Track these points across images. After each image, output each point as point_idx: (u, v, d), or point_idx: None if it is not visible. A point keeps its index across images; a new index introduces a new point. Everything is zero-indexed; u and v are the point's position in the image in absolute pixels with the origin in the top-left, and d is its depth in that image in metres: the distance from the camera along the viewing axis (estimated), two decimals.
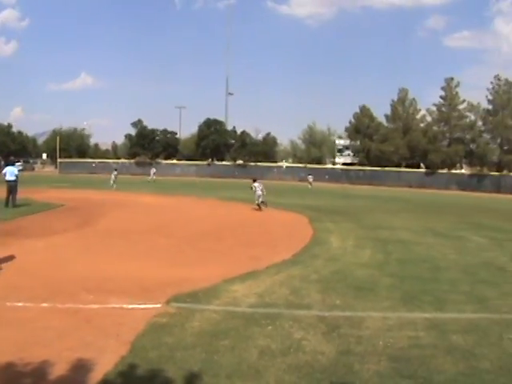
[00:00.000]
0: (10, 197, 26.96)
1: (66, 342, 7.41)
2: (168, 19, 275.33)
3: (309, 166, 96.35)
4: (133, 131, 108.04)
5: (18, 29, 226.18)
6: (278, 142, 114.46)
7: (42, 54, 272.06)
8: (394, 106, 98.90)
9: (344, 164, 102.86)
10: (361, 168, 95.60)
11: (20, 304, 9.30)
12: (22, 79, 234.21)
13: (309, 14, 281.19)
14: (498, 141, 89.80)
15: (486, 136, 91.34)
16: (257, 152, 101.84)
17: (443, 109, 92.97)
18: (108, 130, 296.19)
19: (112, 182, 50.51)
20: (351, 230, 22.05)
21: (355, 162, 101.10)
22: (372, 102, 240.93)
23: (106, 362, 6.67)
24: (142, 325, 8.23)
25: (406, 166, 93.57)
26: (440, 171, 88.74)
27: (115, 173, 52.71)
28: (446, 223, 26.94)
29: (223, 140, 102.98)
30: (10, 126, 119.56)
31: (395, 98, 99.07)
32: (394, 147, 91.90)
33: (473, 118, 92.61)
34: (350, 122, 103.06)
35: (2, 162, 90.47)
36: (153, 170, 75.70)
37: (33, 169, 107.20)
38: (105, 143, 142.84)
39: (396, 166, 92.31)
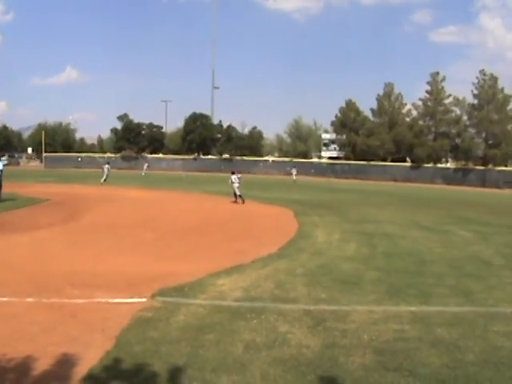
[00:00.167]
0: None
1: (50, 337, 7.37)
2: (154, 13, 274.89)
3: (295, 160, 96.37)
4: (119, 125, 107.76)
5: (3, 22, 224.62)
6: (264, 136, 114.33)
7: (27, 48, 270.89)
8: (379, 101, 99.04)
9: (330, 158, 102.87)
10: (346, 162, 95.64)
11: (5, 299, 9.25)
12: (6, 73, 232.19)
13: (296, 8, 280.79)
14: (483, 135, 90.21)
15: (472, 130, 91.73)
16: (243, 146, 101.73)
17: (429, 103, 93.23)
18: (94, 124, 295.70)
19: (105, 175, 50.01)
20: (337, 224, 22.09)
21: (341, 156, 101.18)
22: (358, 96, 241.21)
23: (91, 357, 6.64)
24: (128, 319, 8.20)
25: (392, 161, 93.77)
26: (425, 165, 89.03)
27: (108, 166, 52.11)
28: (432, 217, 27.05)
29: (209, 134, 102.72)
30: None
31: (381, 93, 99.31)
32: (379, 141, 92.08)
33: (458, 112, 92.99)
34: (336, 117, 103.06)
35: None
36: (146, 165, 75.46)
37: (18, 163, 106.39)
38: (90, 137, 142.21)
39: (382, 161, 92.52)
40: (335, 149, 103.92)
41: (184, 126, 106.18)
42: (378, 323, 8.50)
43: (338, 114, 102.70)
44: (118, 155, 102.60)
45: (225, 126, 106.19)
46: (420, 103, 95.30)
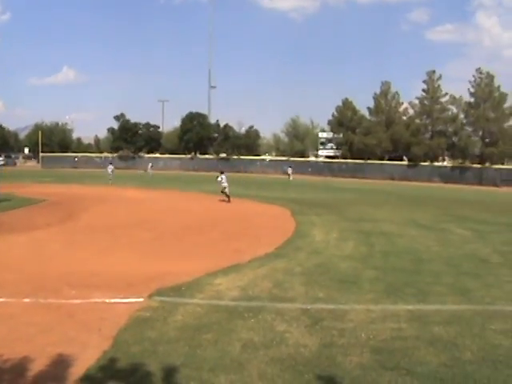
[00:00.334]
0: None
1: (48, 338, 7.37)
2: (151, 12, 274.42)
3: (292, 159, 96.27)
4: (115, 125, 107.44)
5: None
6: (261, 135, 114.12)
7: (24, 48, 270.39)
8: (376, 99, 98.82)
9: (327, 157, 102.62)
10: (344, 161, 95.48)
11: (2, 300, 9.25)
12: (3, 73, 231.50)
13: (292, 7, 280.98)
14: (480, 133, 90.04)
15: (468, 129, 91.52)
16: (240, 145, 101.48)
17: (425, 102, 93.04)
18: (91, 124, 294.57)
19: (110, 176, 50.08)
20: (334, 223, 22.08)
21: (338, 154, 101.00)
22: (355, 95, 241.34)
23: (88, 357, 6.64)
24: (125, 319, 8.21)
25: (389, 159, 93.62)
26: (422, 164, 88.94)
27: (111, 167, 52.25)
28: (429, 215, 27.05)
29: (206, 133, 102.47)
30: None
31: (378, 91, 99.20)
32: (376, 140, 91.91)
33: (455, 110, 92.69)
34: (332, 115, 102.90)
35: None
36: (150, 164, 75.16)
37: (15, 164, 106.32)
38: (87, 137, 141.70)
39: (379, 159, 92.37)
40: (332, 148, 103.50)
41: (181, 125, 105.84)
42: (376, 322, 8.51)
43: (335, 113, 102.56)
44: (115, 155, 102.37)
45: (222, 125, 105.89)
46: (417, 102, 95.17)
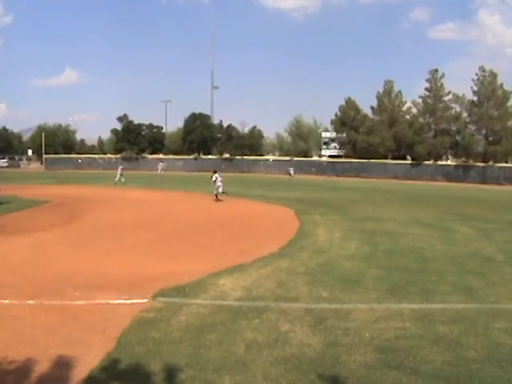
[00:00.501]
0: None
1: (52, 339, 7.38)
2: (153, 13, 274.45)
3: (295, 158, 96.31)
4: (118, 126, 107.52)
5: (2, 24, 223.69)
6: (265, 135, 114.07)
7: (27, 50, 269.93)
8: (379, 99, 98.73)
9: (330, 156, 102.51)
10: (347, 160, 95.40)
11: (6, 301, 9.25)
12: (6, 75, 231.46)
13: (294, 7, 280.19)
14: (483, 132, 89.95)
15: (471, 127, 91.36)
16: (243, 145, 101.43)
17: (428, 100, 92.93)
18: (94, 125, 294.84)
19: (119, 176, 50.24)
20: (338, 222, 22.05)
21: (341, 154, 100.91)
22: (358, 94, 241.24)
23: (92, 358, 6.65)
24: (129, 320, 8.21)
25: (393, 158, 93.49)
26: (426, 163, 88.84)
27: (121, 167, 52.55)
28: (433, 214, 27.00)
29: (209, 134, 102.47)
30: None
31: (381, 91, 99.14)
32: (380, 139, 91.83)
33: (458, 109, 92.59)
34: (335, 115, 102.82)
35: None
36: (161, 165, 74.90)
37: (18, 165, 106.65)
38: (91, 139, 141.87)
39: (382, 158, 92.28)
40: (335, 147, 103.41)
41: (184, 126, 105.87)
42: (380, 321, 8.50)
43: (338, 113, 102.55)
44: (119, 156, 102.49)
45: (225, 125, 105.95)
46: (420, 100, 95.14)
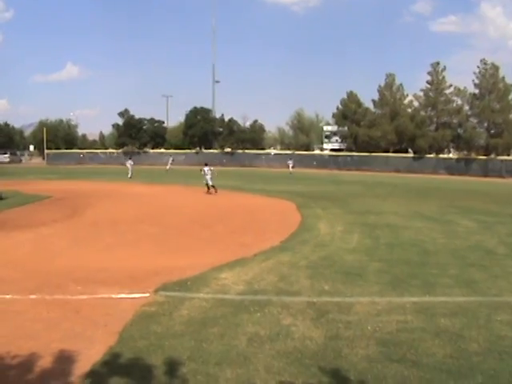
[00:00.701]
0: None
1: (54, 334, 7.39)
2: (154, 7, 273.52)
3: (297, 152, 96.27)
4: (120, 121, 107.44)
5: (2, 20, 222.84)
6: (266, 129, 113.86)
7: (28, 46, 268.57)
8: (381, 92, 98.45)
9: (332, 150, 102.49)
10: (349, 154, 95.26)
11: (8, 296, 9.27)
12: (7, 71, 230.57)
13: (294, 0, 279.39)
14: (485, 125, 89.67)
15: (473, 120, 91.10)
16: (244, 139, 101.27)
17: (430, 94, 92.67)
18: (95, 120, 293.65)
19: (130, 171, 50.46)
20: (339, 216, 22.05)
21: (343, 147, 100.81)
22: (359, 87, 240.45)
23: (94, 353, 6.66)
24: (131, 314, 8.22)
25: (394, 152, 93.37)
26: (428, 156, 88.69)
27: (131, 162, 52.69)
28: (435, 207, 26.97)
29: (211, 128, 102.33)
30: None
31: (382, 84, 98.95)
32: (381, 132, 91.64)
33: (460, 102, 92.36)
34: (337, 108, 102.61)
35: None
36: (170, 159, 74.57)
37: (20, 161, 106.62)
38: (92, 134, 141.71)
39: (384, 152, 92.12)
40: (337, 141, 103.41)
41: (185, 120, 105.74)
42: (382, 314, 8.50)
43: (340, 106, 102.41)
44: (120, 151, 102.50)
45: (226, 119, 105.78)
46: (421, 94, 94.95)
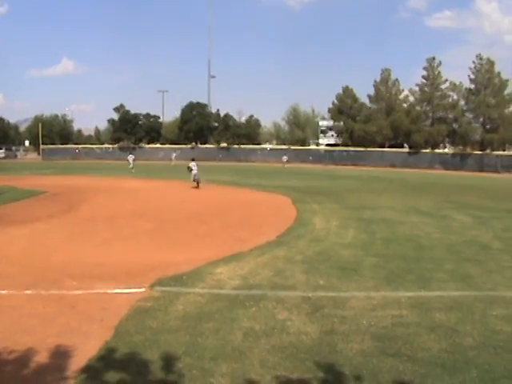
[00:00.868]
0: None
1: (50, 329, 7.40)
2: (150, 2, 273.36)
3: (292, 147, 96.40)
4: (115, 116, 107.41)
5: None
6: (262, 124, 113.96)
7: (23, 40, 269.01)
8: (376, 87, 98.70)
9: (328, 145, 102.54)
10: (344, 149, 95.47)
11: (3, 292, 9.28)
12: (2, 66, 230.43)
13: None
14: (481, 120, 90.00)
15: (469, 115, 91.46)
16: (240, 134, 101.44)
17: (426, 89, 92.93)
18: (91, 115, 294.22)
19: (131, 165, 50.69)
20: (335, 211, 22.08)
21: (339, 142, 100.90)
22: (355, 82, 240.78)
23: (89, 348, 6.66)
24: (126, 309, 8.22)
25: (390, 147, 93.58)
26: (423, 151, 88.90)
27: (132, 156, 52.93)
28: (430, 202, 27.01)
29: (206, 123, 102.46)
30: None
31: (378, 79, 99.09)
32: (377, 127, 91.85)
33: (455, 97, 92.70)
34: (333, 103, 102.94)
35: None
36: (173, 155, 74.44)
37: (15, 156, 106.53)
38: (88, 129, 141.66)
39: (379, 147, 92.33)
40: (333, 136, 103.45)
41: (181, 115, 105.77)
42: (377, 309, 8.52)
43: (335, 101, 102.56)
44: (116, 146, 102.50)
45: (222, 114, 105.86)
46: (417, 89, 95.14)
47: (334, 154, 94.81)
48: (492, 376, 6.12)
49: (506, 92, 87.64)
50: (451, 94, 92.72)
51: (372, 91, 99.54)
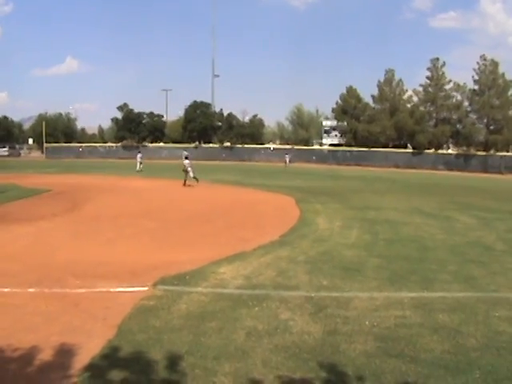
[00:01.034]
0: None
1: (53, 327, 7.41)
2: (153, 1, 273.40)
3: (296, 147, 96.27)
4: (119, 115, 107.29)
5: (2, 14, 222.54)
6: (265, 123, 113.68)
7: (27, 39, 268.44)
8: (380, 87, 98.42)
9: (331, 145, 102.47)
10: (348, 149, 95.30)
11: (7, 290, 9.28)
12: (6, 65, 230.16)
13: None
14: (485, 121, 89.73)
15: (473, 116, 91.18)
16: (244, 134, 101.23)
17: (429, 89, 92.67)
18: (94, 114, 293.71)
19: (139, 164, 50.74)
20: (338, 211, 22.06)
21: (342, 142, 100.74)
22: (359, 83, 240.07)
23: (92, 346, 6.68)
24: (129, 308, 8.24)
25: (393, 147, 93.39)
26: (427, 151, 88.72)
27: (140, 155, 53.00)
28: (434, 203, 26.97)
29: (210, 122, 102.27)
30: None
31: (382, 79, 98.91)
32: (380, 128, 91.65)
33: (459, 98, 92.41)
34: (336, 103, 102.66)
35: None
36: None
37: (19, 154, 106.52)
38: (91, 127, 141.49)
39: (383, 147, 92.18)
40: (336, 136, 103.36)
41: (185, 114, 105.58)
42: (380, 310, 8.52)
43: (339, 101, 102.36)
44: (119, 145, 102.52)
45: (225, 114, 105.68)
46: (421, 89, 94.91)
47: (337, 154, 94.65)
48: (495, 377, 6.12)
49: (510, 93, 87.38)
50: (455, 94, 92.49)
51: (376, 91, 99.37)
